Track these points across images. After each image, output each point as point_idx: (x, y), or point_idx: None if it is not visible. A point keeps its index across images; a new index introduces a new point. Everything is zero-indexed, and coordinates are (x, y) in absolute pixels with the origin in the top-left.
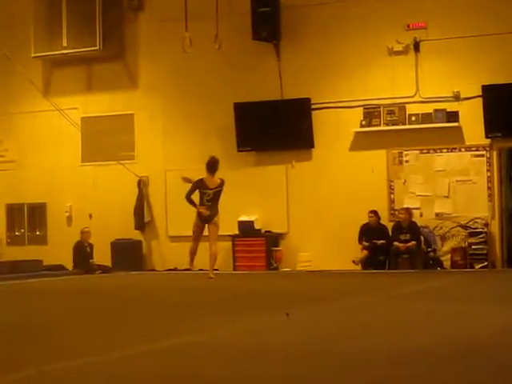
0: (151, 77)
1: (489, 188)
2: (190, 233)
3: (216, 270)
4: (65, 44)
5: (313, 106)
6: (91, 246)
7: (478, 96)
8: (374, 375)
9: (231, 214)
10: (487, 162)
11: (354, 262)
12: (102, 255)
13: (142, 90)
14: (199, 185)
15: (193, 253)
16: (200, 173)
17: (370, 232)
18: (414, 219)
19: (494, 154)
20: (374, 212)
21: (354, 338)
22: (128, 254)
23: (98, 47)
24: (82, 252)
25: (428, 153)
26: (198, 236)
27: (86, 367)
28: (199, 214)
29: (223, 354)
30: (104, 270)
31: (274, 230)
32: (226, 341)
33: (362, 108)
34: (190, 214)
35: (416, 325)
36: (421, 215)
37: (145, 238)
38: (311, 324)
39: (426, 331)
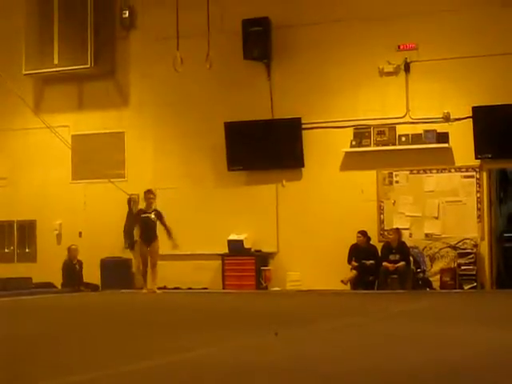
0: (142, 95)
1: (478, 209)
2: (179, 251)
3: (205, 288)
4: (56, 61)
5: (303, 126)
6: (80, 263)
7: (468, 117)
8: None
9: (221, 233)
10: (477, 182)
11: (342, 281)
12: (91, 273)
13: (132, 108)
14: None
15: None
16: (189, 191)
17: (359, 252)
18: (403, 239)
19: (484, 174)
20: (362, 232)
21: (341, 358)
22: (117, 273)
23: (89, 65)
24: (71, 270)
25: (418, 173)
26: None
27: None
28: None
29: (212, 372)
30: (93, 288)
31: (264, 250)
32: (214, 359)
33: (352, 128)
34: (180, 232)
35: (404, 345)
36: (410, 236)
37: (134, 256)
38: (300, 344)
39: (414, 352)
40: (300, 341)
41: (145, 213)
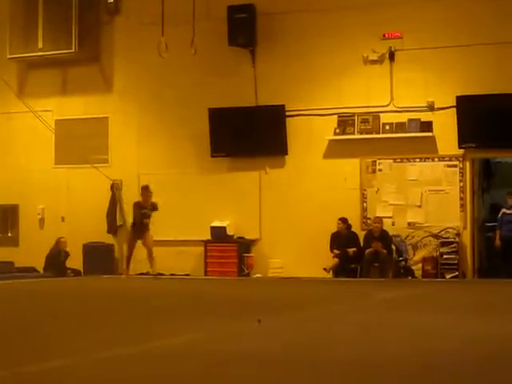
0: (126, 80)
1: (461, 198)
2: (162, 237)
3: (188, 274)
4: (40, 46)
5: (287, 113)
6: (67, 255)
7: (452, 106)
8: None
9: (204, 220)
10: (460, 172)
11: (325, 269)
12: (73, 258)
13: (116, 93)
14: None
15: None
16: (173, 177)
17: (340, 240)
18: (385, 228)
19: (467, 164)
20: (343, 219)
21: (326, 347)
22: (100, 258)
23: (73, 50)
24: (55, 260)
25: (401, 162)
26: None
27: (59, 369)
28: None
29: (197, 359)
30: (75, 273)
31: (247, 236)
32: (198, 346)
33: (336, 116)
34: (163, 218)
35: (387, 334)
36: (393, 224)
37: (117, 242)
38: (284, 332)
39: (397, 341)
40: (284, 329)
41: (143, 208)
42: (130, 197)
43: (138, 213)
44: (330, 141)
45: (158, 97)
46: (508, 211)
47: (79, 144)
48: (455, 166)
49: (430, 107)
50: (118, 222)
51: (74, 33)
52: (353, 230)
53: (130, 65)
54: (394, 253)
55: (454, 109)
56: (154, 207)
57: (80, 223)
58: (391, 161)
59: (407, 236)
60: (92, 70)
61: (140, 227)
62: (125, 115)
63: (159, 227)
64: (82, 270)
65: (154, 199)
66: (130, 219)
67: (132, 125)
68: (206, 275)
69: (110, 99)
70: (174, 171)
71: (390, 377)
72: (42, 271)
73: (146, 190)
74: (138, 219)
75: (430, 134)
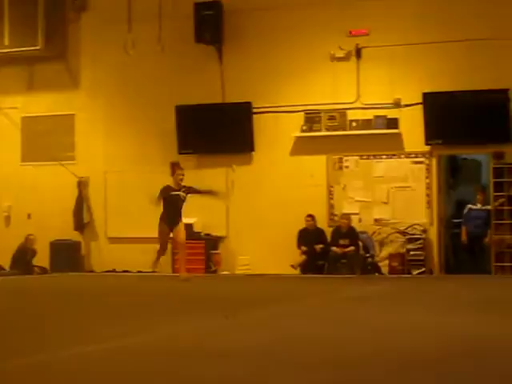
0: (93, 78)
1: (427, 195)
2: (128, 234)
3: (154, 272)
4: (6, 43)
5: (254, 110)
6: (34, 253)
7: (419, 103)
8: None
9: None
10: (426, 168)
11: (292, 266)
12: (40, 256)
13: (83, 90)
14: None
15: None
16: (140, 174)
17: (308, 236)
18: (352, 224)
19: (434, 161)
20: (311, 216)
21: (294, 344)
22: (66, 255)
23: (40, 47)
24: (23, 257)
25: (368, 159)
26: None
27: (22, 368)
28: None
29: (164, 355)
30: (42, 271)
31: (214, 233)
32: (167, 343)
33: (302, 113)
34: (129, 215)
35: (354, 331)
36: (360, 221)
37: (84, 239)
38: (252, 328)
39: (365, 338)
40: (251, 325)
41: (174, 190)
42: (97, 194)
43: (167, 198)
44: (297, 138)
45: (124, 94)
46: (474, 207)
47: (46, 141)
48: (421, 162)
49: (397, 104)
50: (85, 220)
51: (41, 30)
52: (319, 226)
53: (97, 62)
54: (361, 249)
55: (421, 106)
56: (190, 189)
57: (47, 221)
58: (358, 157)
59: (374, 232)
60: (58, 67)
61: (172, 216)
62: (91, 112)
63: (126, 224)
64: (48, 268)
65: (120, 197)
66: (97, 216)
67: (99, 122)
68: (173, 272)
69: (76, 96)
70: (140, 168)
71: (362, 372)
72: (8, 269)
73: (177, 167)
74: (168, 205)
75: (396, 130)
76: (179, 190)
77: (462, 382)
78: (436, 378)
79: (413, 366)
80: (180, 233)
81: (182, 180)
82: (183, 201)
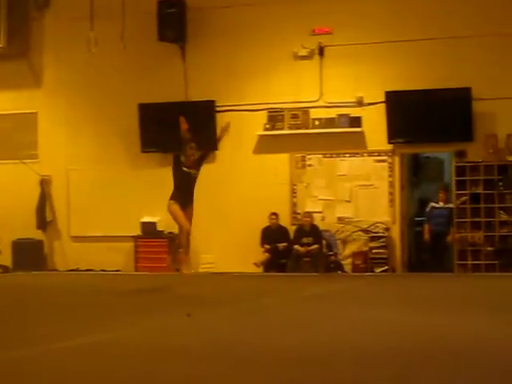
0: (56, 76)
1: (390, 193)
2: (91, 233)
3: (118, 270)
4: None
5: (217, 109)
6: None
7: (382, 102)
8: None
9: (134, 215)
10: (389, 167)
11: (255, 264)
12: (2, 255)
13: (46, 88)
14: None
15: None
16: (103, 173)
17: (271, 234)
18: (315, 223)
19: (396, 159)
20: (275, 214)
21: (255, 342)
22: (29, 254)
23: (2, 45)
24: None
25: (331, 157)
26: None
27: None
28: None
29: (129, 354)
30: (4, 269)
31: (177, 232)
32: (130, 341)
33: (266, 111)
34: (93, 214)
35: (316, 328)
36: (323, 219)
37: (46, 238)
38: (213, 326)
39: (327, 335)
40: (213, 323)
41: (185, 166)
42: (60, 192)
43: (178, 175)
44: (260, 136)
45: (87, 92)
46: (437, 205)
47: (8, 139)
48: (384, 161)
49: (360, 103)
50: (48, 218)
51: (3, 28)
52: (283, 224)
53: (60, 60)
54: (324, 247)
55: (384, 104)
56: (202, 157)
57: (9, 219)
58: (321, 156)
59: (337, 231)
60: (21, 65)
61: (183, 195)
62: (54, 110)
63: (89, 223)
64: (11, 267)
65: (83, 196)
66: (59, 215)
67: (61, 120)
68: (136, 271)
69: (39, 94)
70: (104, 167)
71: (321, 368)
72: None
73: (189, 142)
74: (180, 183)
75: (359, 129)
76: (190, 168)
77: (410, 377)
78: (386, 373)
79: (365, 363)
80: (190, 219)
81: (193, 155)
82: (194, 179)
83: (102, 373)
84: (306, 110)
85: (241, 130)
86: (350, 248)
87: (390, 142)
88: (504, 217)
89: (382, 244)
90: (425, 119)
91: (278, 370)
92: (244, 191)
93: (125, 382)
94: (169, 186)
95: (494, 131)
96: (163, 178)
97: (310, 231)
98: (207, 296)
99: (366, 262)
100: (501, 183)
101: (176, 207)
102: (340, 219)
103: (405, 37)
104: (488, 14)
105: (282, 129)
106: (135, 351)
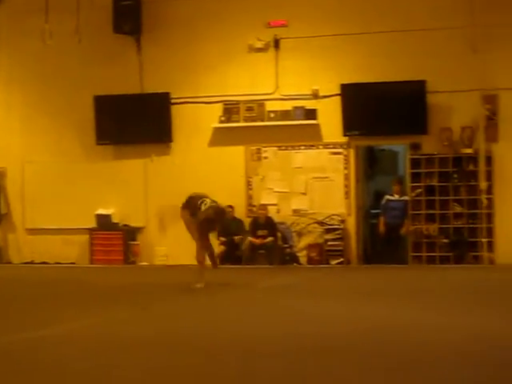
0: (10, 68)
1: (346, 185)
2: (47, 225)
3: (73, 263)
4: None
5: (172, 101)
6: None
7: (337, 94)
8: (223, 368)
9: (89, 207)
10: (344, 159)
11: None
12: None
13: (0, 81)
14: None
15: None
16: (57, 165)
17: (227, 227)
18: (270, 215)
19: (352, 151)
20: (231, 207)
21: (212, 332)
22: None
23: None
24: None
25: (286, 149)
26: None
27: None
28: None
29: (86, 345)
30: None
31: (132, 224)
32: (86, 333)
33: (221, 104)
34: (48, 206)
35: (269, 320)
36: (278, 211)
37: (1, 231)
38: (169, 318)
39: (279, 325)
40: (168, 315)
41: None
42: (14, 185)
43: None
44: (215, 128)
45: (42, 84)
46: (392, 198)
47: None
48: (340, 153)
49: (315, 95)
50: (3, 211)
51: None
52: (238, 217)
53: (15, 52)
54: (280, 240)
55: (339, 97)
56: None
57: None
58: (276, 148)
59: (292, 223)
60: None
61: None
62: (8, 102)
63: (44, 216)
64: None
65: (38, 188)
66: (14, 207)
67: (16, 112)
68: (91, 263)
69: None
70: (58, 159)
71: (268, 358)
72: None
73: None
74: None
75: (314, 121)
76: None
77: (362, 366)
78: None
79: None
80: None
81: None
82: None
83: (52, 362)
84: (261, 103)
85: (196, 122)
86: (306, 240)
87: (345, 135)
88: (458, 209)
89: (338, 236)
90: (380, 112)
91: (229, 360)
92: (199, 183)
93: (83, 372)
94: (124, 178)
95: (448, 124)
96: (118, 170)
97: (265, 224)
98: (163, 289)
99: (322, 255)
100: (455, 176)
101: (184, 214)
102: (295, 211)
103: (360, 30)
104: (442, 7)
105: (237, 121)
106: (94, 342)
